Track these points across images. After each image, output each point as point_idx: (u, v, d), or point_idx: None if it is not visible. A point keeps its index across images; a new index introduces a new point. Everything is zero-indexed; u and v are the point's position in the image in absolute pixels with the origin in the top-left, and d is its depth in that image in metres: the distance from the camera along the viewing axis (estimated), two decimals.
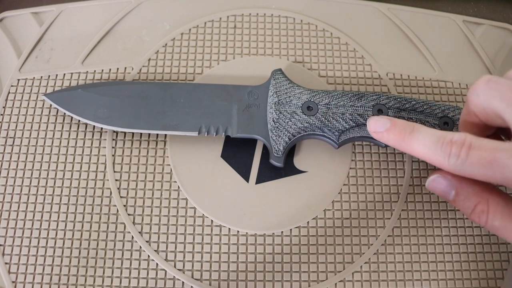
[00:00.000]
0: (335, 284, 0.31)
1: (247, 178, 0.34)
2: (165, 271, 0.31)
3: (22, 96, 0.37)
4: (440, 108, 0.31)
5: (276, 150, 0.31)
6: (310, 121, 0.31)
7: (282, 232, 0.32)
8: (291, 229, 0.32)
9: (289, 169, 0.34)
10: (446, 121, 0.31)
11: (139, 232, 0.32)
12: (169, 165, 0.34)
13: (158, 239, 0.32)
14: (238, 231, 0.32)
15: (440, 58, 0.38)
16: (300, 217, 0.33)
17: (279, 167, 0.33)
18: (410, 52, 0.39)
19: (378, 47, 0.39)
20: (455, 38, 0.40)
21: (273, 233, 0.32)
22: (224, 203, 0.33)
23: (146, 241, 0.32)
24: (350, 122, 0.31)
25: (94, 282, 0.31)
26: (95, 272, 0.31)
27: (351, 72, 0.37)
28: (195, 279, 0.31)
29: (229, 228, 0.32)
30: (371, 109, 0.31)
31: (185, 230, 0.32)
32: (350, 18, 0.40)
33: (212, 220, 0.33)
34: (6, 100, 0.36)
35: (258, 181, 0.34)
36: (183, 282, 0.31)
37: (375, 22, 0.40)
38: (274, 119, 0.31)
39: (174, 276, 0.31)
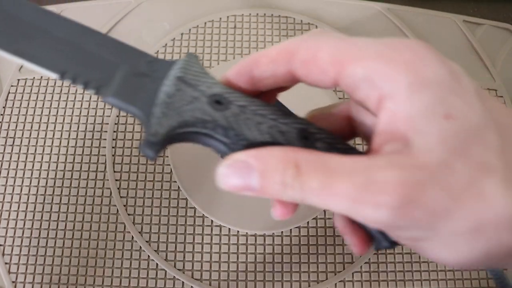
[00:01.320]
0: (335, 284, 0.31)
1: None
2: (165, 271, 0.31)
3: (22, 96, 0.37)
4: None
5: (154, 133, 0.22)
6: (214, 116, 0.22)
7: (282, 232, 0.32)
8: (291, 229, 0.32)
9: None
10: None
11: (139, 232, 0.32)
12: (169, 165, 0.34)
13: (158, 239, 0.32)
14: (238, 231, 0.32)
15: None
16: (300, 217, 0.33)
17: None
18: None
19: None
20: (456, 38, 0.40)
21: (273, 233, 0.32)
22: (224, 203, 0.33)
23: (146, 241, 0.32)
24: (266, 135, 0.22)
25: (94, 282, 0.31)
26: (95, 272, 0.31)
27: None
28: (195, 279, 0.31)
29: (229, 228, 0.32)
30: (296, 131, 0.22)
31: (185, 230, 0.32)
32: (350, 18, 0.40)
33: (212, 220, 0.33)
34: (6, 100, 0.36)
35: None
36: (183, 282, 0.31)
37: (375, 22, 0.40)
38: (169, 93, 0.23)
39: (174, 276, 0.31)
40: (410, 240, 0.17)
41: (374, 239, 0.22)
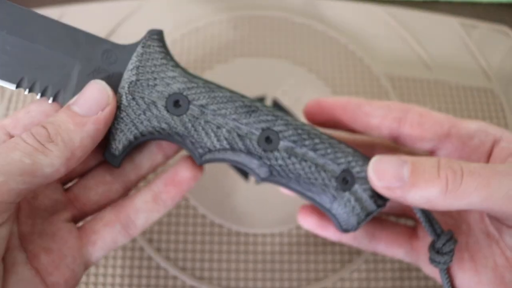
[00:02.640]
0: (334, 282, 0.32)
1: (247, 178, 0.34)
2: (166, 270, 0.32)
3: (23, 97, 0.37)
4: (346, 157, 0.23)
5: (114, 148, 0.22)
6: (171, 122, 0.22)
7: (281, 231, 0.33)
8: (290, 229, 0.33)
9: None
10: (345, 177, 0.23)
11: None
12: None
13: (159, 238, 0.32)
14: (238, 231, 0.33)
15: (437, 60, 0.39)
16: None
17: None
18: (408, 54, 0.39)
19: (376, 49, 0.39)
20: (452, 40, 0.40)
21: (273, 233, 0.33)
22: (224, 203, 0.33)
23: (148, 240, 0.32)
24: (224, 142, 0.22)
25: (96, 279, 0.31)
26: (97, 271, 0.31)
27: (350, 73, 0.38)
28: (196, 278, 0.31)
29: (229, 228, 0.33)
30: (257, 133, 0.22)
31: (186, 230, 0.33)
32: (350, 21, 0.40)
33: (212, 220, 0.33)
34: (8, 100, 0.37)
35: None
36: (184, 281, 0.31)
37: (374, 24, 0.40)
38: (123, 105, 0.22)
39: (175, 275, 0.31)
40: None
41: (334, 223, 0.24)
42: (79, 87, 0.22)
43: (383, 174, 0.21)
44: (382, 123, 0.25)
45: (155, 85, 0.22)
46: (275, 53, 0.38)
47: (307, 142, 0.23)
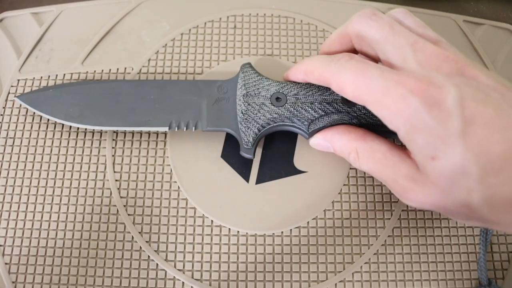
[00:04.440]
0: (335, 284, 0.31)
1: (247, 178, 0.34)
2: (165, 271, 0.31)
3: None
4: None
5: (246, 142, 0.31)
6: (279, 111, 0.31)
7: (282, 232, 0.32)
8: (291, 229, 0.32)
9: (289, 169, 0.34)
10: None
11: (139, 232, 0.32)
12: (169, 165, 0.34)
13: (158, 239, 0.32)
14: (238, 231, 0.32)
15: None
16: (300, 217, 0.33)
17: (280, 169, 0.33)
18: None
19: None
20: (456, 38, 0.40)
21: (273, 233, 0.32)
22: (224, 203, 0.33)
23: (146, 241, 0.32)
24: (319, 111, 0.30)
25: (94, 282, 0.31)
26: (95, 273, 0.31)
27: None
28: (195, 279, 0.31)
29: (229, 228, 0.32)
30: (339, 98, 0.30)
31: (185, 230, 0.32)
32: None
33: (212, 220, 0.33)
34: (6, 100, 0.36)
35: (258, 181, 0.34)
36: (183, 282, 0.31)
37: None
38: (243, 111, 0.31)
39: (174, 276, 0.31)
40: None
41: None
42: (210, 114, 0.32)
43: (317, 146, 0.31)
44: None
45: (259, 92, 0.32)
46: (275, 52, 0.38)
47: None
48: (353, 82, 0.25)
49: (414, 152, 0.23)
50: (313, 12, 0.40)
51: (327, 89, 0.30)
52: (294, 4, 0.40)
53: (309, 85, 0.31)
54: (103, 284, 0.31)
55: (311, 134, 0.30)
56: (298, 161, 0.34)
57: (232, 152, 0.34)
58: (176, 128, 0.32)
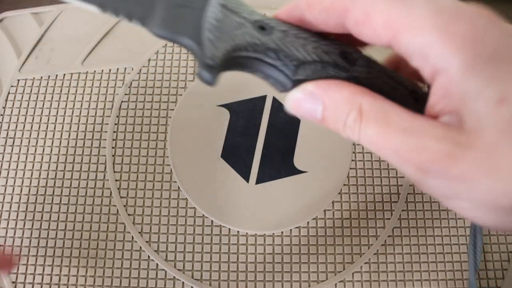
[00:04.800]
0: (335, 284, 0.31)
1: (247, 178, 0.34)
2: (165, 271, 0.31)
3: (22, 96, 0.37)
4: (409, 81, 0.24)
5: (211, 56, 0.22)
6: (262, 39, 0.23)
7: (282, 232, 0.32)
8: (291, 229, 0.32)
9: (289, 169, 0.34)
10: (415, 96, 0.24)
11: (139, 232, 0.32)
12: (169, 165, 0.34)
13: (158, 239, 0.32)
14: (238, 231, 0.32)
15: None
16: (300, 217, 0.33)
17: (280, 169, 0.33)
18: None
19: (377, 48, 0.39)
20: None
21: (273, 233, 0.32)
22: (224, 203, 0.33)
23: (146, 241, 0.32)
24: (313, 55, 0.23)
25: (94, 282, 0.31)
26: (95, 273, 0.31)
27: None
28: (195, 279, 0.31)
29: (229, 228, 0.32)
30: (337, 52, 0.23)
31: (185, 230, 0.32)
32: None
33: (212, 220, 0.33)
34: (6, 100, 0.36)
35: (258, 181, 0.34)
36: (183, 282, 0.31)
37: None
38: (217, 18, 0.23)
39: (174, 276, 0.31)
40: (442, 197, 0.18)
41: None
42: (167, 17, 0.23)
43: (298, 108, 0.20)
44: (330, 30, 0.22)
45: (241, 12, 0.23)
46: None
47: (377, 64, 0.24)
48: (388, 7, 0.18)
49: (469, 94, 0.16)
50: None
51: (324, 38, 0.23)
52: None
53: (302, 29, 0.24)
54: (103, 284, 0.31)
55: (296, 84, 0.22)
56: (298, 161, 0.34)
57: (232, 152, 0.34)
58: (113, 14, 0.23)
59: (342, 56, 0.23)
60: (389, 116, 0.18)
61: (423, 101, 0.22)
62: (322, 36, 0.23)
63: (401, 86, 0.24)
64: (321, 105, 0.20)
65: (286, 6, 0.23)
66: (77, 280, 0.31)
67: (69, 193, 0.33)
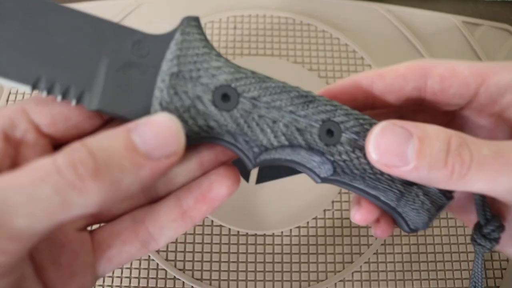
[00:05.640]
0: (335, 284, 0.31)
1: (247, 178, 0.34)
2: (166, 271, 0.31)
3: (23, 97, 0.37)
4: None
5: None
6: (221, 119, 0.19)
7: (282, 232, 0.33)
8: (291, 229, 0.33)
9: (289, 169, 0.34)
10: None
11: None
12: None
13: None
14: (238, 231, 0.33)
15: (440, 59, 0.38)
16: (300, 217, 0.33)
17: (280, 169, 0.33)
18: (409, 53, 0.39)
19: (377, 48, 0.39)
20: (455, 39, 0.40)
21: (273, 233, 0.33)
22: (224, 203, 0.33)
23: None
24: (282, 138, 0.19)
25: None
26: None
27: (351, 73, 0.37)
28: (196, 279, 0.31)
29: (229, 228, 0.33)
30: (318, 125, 0.20)
31: (186, 231, 0.32)
32: (350, 19, 0.40)
33: (212, 220, 0.33)
34: (7, 100, 0.37)
35: (258, 181, 0.34)
36: (183, 282, 0.31)
37: (374, 23, 0.40)
38: (164, 102, 0.19)
39: (174, 276, 0.31)
40: None
41: (399, 224, 0.22)
42: (108, 86, 0.19)
43: (384, 150, 0.18)
44: (400, 98, 0.21)
45: (199, 77, 0.19)
46: (275, 53, 0.38)
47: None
48: (469, 63, 0.20)
49: None
50: (313, 13, 0.40)
51: (305, 105, 0.20)
52: (294, 5, 0.40)
53: (280, 90, 0.20)
54: (103, 283, 0.31)
55: (258, 165, 0.21)
56: None
57: None
58: (46, 92, 0.19)
59: (326, 130, 0.20)
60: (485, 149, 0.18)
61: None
62: (307, 100, 0.20)
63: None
64: (415, 139, 0.18)
65: (340, 82, 0.22)
66: None
67: None
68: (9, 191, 0.14)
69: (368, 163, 0.20)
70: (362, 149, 0.20)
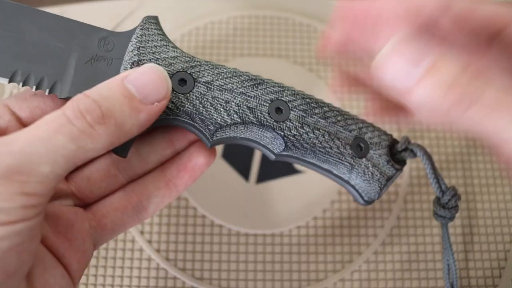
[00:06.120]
0: (335, 283, 0.31)
1: (247, 178, 0.34)
2: (166, 271, 0.32)
3: None
4: (356, 123, 0.23)
5: None
6: (178, 101, 0.22)
7: (281, 231, 0.33)
8: (290, 229, 0.33)
9: (288, 169, 0.34)
10: (359, 143, 0.23)
11: (140, 232, 0.32)
12: None
13: (159, 239, 0.32)
14: (238, 231, 0.33)
15: None
16: (300, 217, 0.33)
17: (280, 169, 0.34)
18: None
19: None
20: None
21: (273, 233, 0.33)
22: (224, 203, 0.33)
23: (147, 241, 0.32)
24: (235, 116, 0.22)
25: (95, 281, 0.31)
26: (96, 271, 0.31)
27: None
28: (196, 278, 0.31)
29: (229, 228, 0.33)
30: (267, 105, 0.22)
31: (186, 230, 0.33)
32: None
33: (212, 220, 0.33)
34: None
35: (258, 180, 0.34)
36: (183, 282, 0.31)
37: None
38: None
39: (174, 276, 0.31)
40: None
41: (354, 197, 0.24)
42: (77, 76, 0.22)
43: (399, 56, 0.17)
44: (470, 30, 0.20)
45: (159, 64, 0.22)
46: (275, 53, 0.38)
47: (316, 111, 0.22)
48: None
49: None
50: (313, 13, 0.40)
51: (254, 87, 0.22)
52: (294, 5, 0.41)
53: (231, 74, 0.22)
54: (104, 283, 0.31)
55: (215, 144, 0.23)
56: None
57: (232, 152, 0.35)
58: (21, 84, 0.21)
59: (274, 109, 0.22)
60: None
61: (366, 151, 0.23)
62: (257, 83, 0.22)
63: (342, 134, 0.23)
64: (431, 56, 0.16)
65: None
66: None
67: None
68: (32, 144, 0.17)
69: (317, 137, 0.22)
70: (310, 125, 0.22)
